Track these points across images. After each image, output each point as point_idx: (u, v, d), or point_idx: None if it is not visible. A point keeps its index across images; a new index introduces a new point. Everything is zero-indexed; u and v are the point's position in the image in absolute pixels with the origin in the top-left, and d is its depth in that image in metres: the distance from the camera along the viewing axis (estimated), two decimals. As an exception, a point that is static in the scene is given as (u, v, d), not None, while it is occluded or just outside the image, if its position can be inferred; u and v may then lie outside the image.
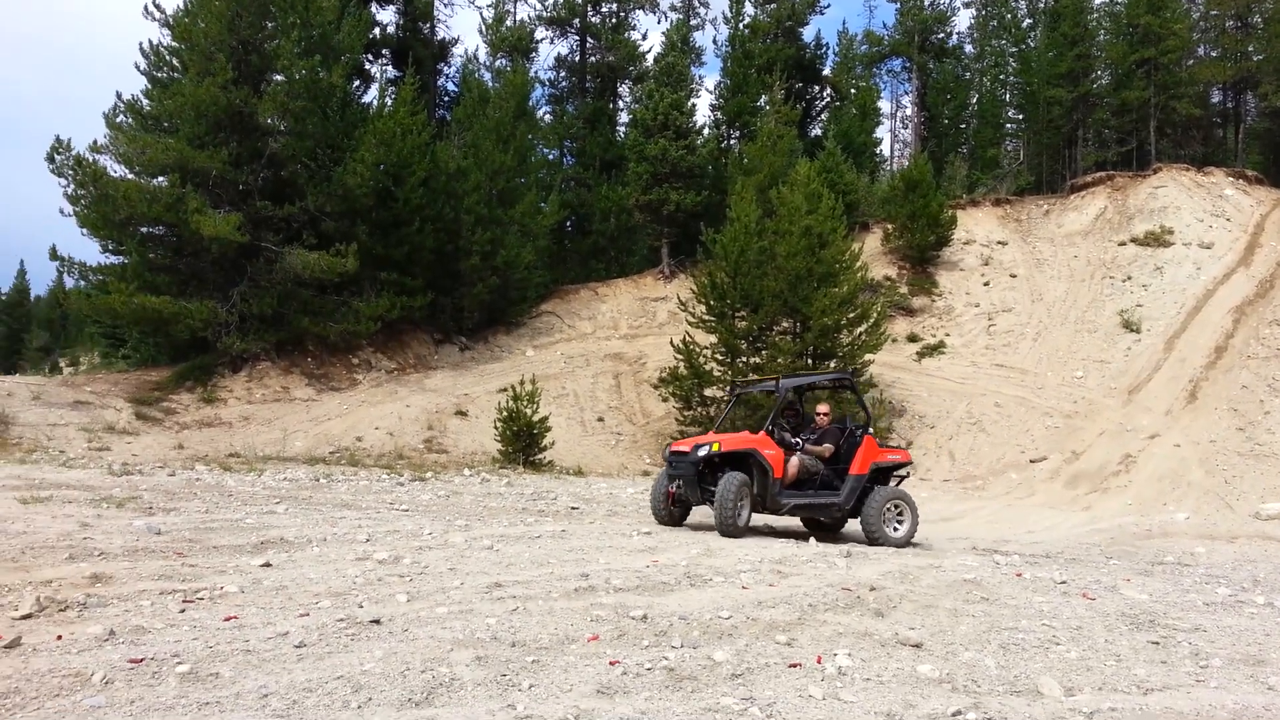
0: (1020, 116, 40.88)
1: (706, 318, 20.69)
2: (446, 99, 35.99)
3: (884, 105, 50.95)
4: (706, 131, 32.47)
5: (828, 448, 10.68)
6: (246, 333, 20.22)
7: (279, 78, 20.80)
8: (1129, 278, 24.88)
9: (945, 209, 28.04)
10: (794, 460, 10.32)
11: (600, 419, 21.50)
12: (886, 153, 45.74)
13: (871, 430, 11.08)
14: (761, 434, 10.41)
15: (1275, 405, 17.54)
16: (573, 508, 12.08)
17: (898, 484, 10.95)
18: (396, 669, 4.81)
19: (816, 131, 37.10)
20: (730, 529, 9.67)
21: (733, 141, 33.71)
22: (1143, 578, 8.95)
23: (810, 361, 19.62)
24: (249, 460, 15.34)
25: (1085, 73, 35.10)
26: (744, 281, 20.04)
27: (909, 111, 45.20)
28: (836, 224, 19.97)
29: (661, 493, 10.73)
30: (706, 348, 20.29)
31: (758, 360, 19.66)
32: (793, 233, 19.39)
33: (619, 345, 25.83)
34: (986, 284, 26.35)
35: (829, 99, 39.19)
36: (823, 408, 11.27)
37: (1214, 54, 36.99)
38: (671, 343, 20.91)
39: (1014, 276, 26.54)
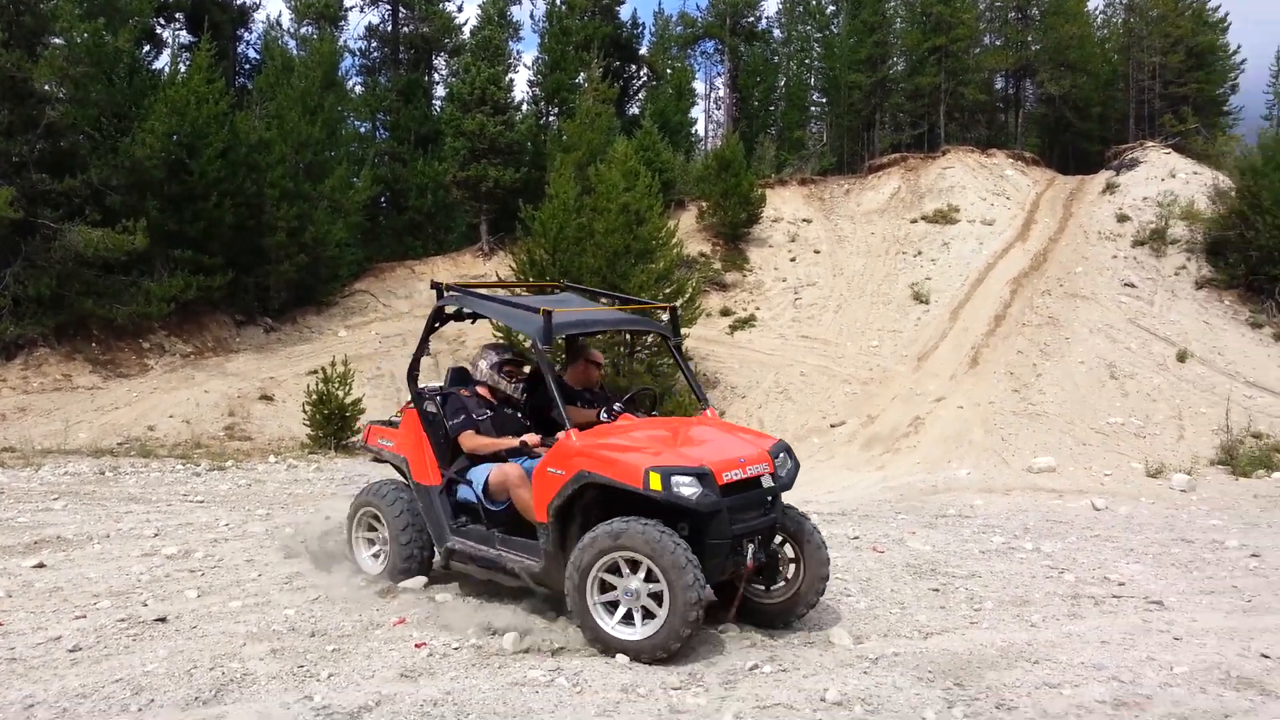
0: (824, 100, 42.79)
1: (526, 295, 20.62)
2: (248, 67, 33.89)
3: (699, 86, 52.01)
4: (525, 108, 32.08)
5: None
6: (21, 317, 18.49)
7: (58, 41, 19.03)
8: (920, 253, 26.65)
9: (755, 188, 28.99)
10: None
11: (418, 400, 21.07)
12: (701, 133, 46.73)
13: None
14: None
15: (1046, 368, 19.31)
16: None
17: None
18: (182, 668, 4.59)
19: (634, 110, 37.44)
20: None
21: (551, 118, 33.51)
22: (927, 530, 9.70)
23: (629, 337, 19.90)
24: (25, 454, 14.08)
25: (883, 59, 37.08)
26: (563, 258, 20.05)
27: (722, 93, 46.36)
28: (653, 201, 20.30)
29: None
30: (526, 325, 20.17)
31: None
32: (611, 210, 19.57)
33: (437, 324, 25.27)
34: (793, 260, 27.56)
35: (646, 79, 39.63)
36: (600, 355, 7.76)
37: (998, 43, 39.81)
38: (491, 321, 20.66)
39: (818, 253, 27.89)
